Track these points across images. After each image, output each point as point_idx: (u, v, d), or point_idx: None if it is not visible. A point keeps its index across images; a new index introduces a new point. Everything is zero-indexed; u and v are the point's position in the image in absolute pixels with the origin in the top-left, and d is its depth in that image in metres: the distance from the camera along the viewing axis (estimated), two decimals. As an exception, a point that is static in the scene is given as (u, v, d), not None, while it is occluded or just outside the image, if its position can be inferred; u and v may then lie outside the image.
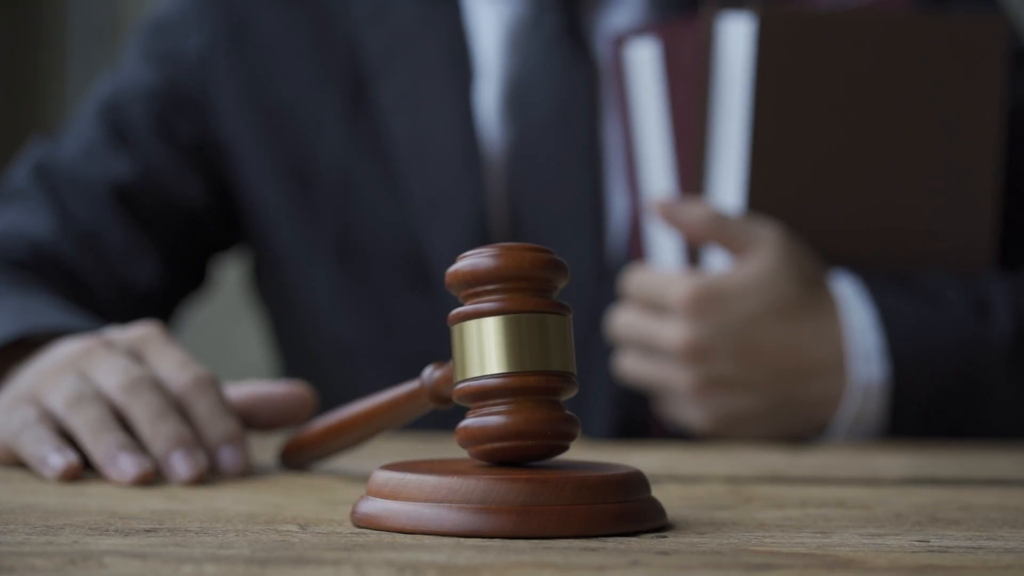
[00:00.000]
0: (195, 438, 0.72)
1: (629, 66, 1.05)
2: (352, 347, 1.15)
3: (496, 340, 0.57)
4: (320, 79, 1.12)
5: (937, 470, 0.84)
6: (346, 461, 0.81)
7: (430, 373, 0.65)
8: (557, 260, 0.58)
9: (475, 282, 0.57)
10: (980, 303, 1.02)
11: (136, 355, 0.76)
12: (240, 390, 0.78)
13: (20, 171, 1.13)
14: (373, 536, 0.55)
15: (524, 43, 1.10)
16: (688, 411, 1.00)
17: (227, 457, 0.73)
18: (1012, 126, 1.09)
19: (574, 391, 0.58)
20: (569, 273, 0.59)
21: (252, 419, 0.78)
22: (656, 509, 0.58)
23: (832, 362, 1.00)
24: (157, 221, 1.14)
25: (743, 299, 0.99)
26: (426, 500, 0.55)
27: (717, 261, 1.03)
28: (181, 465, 0.70)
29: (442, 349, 1.12)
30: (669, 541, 0.55)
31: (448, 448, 0.92)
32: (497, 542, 0.53)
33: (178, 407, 0.73)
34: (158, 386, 0.73)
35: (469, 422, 0.57)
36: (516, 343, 0.57)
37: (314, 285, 1.14)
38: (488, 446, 0.57)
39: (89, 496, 0.66)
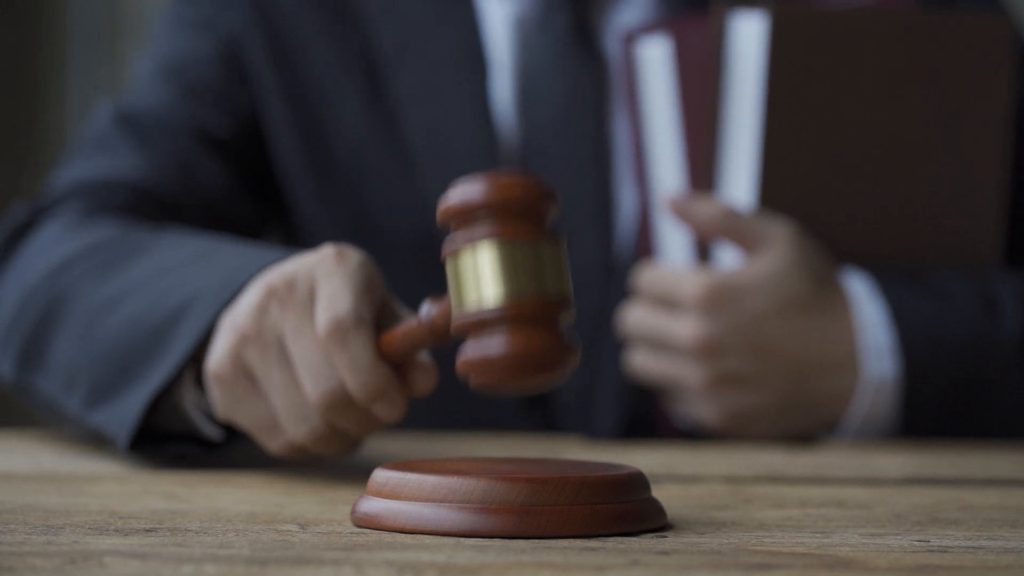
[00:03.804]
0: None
1: (640, 63, 1.05)
2: None
3: (491, 267, 0.57)
4: (338, 64, 1.12)
5: (937, 470, 0.84)
6: (346, 461, 0.81)
7: (427, 309, 0.64)
8: (548, 189, 0.58)
9: (467, 213, 0.57)
10: (989, 300, 1.02)
11: (311, 298, 0.71)
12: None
13: (99, 122, 1.10)
14: (373, 536, 0.55)
15: (532, 41, 1.10)
16: (700, 407, 1.00)
17: (380, 411, 0.70)
18: (1017, 125, 1.09)
19: (572, 317, 0.58)
20: (559, 202, 0.59)
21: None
22: (656, 509, 0.58)
23: (844, 358, 1.00)
24: (249, 167, 1.12)
25: (756, 296, 0.99)
26: (426, 500, 0.55)
27: (727, 258, 1.03)
28: None
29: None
30: (669, 541, 0.55)
31: (448, 448, 0.92)
32: (497, 542, 0.53)
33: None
34: (339, 399, 0.69)
35: (469, 352, 0.57)
36: (511, 269, 0.57)
37: None
38: (488, 375, 0.57)
39: (89, 496, 0.66)
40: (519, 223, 0.57)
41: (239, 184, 1.11)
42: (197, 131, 1.10)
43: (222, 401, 0.74)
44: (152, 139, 1.08)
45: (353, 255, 0.72)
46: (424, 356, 0.71)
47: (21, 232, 1.00)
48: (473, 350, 0.57)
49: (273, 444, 0.73)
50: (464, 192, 0.58)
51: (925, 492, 0.72)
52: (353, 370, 0.69)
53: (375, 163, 1.12)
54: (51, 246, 0.94)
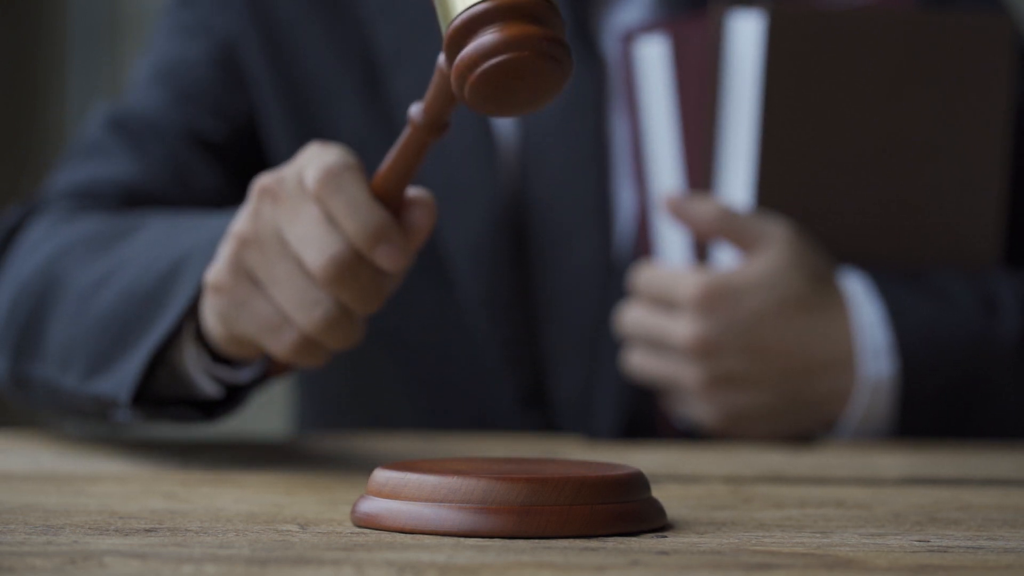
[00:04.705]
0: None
1: (638, 63, 1.05)
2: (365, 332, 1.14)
3: None
4: (337, 65, 1.12)
5: (937, 470, 0.84)
6: (346, 461, 0.81)
7: (416, 107, 0.64)
8: None
9: None
10: (987, 300, 1.02)
11: (302, 185, 0.72)
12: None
13: (92, 127, 1.10)
14: (373, 536, 0.55)
15: None
16: (697, 408, 1.01)
17: (383, 257, 0.69)
18: (1017, 125, 1.09)
19: (563, 30, 0.57)
20: None
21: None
22: (656, 509, 0.58)
23: (841, 358, 1.00)
24: (244, 171, 1.11)
25: (753, 295, 0.99)
26: (426, 500, 0.55)
27: (725, 257, 1.03)
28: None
29: (455, 337, 1.12)
30: (669, 541, 0.55)
31: (448, 448, 0.92)
32: (497, 542, 0.53)
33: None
34: (344, 262, 0.69)
35: (464, 52, 0.57)
36: None
37: None
38: (484, 61, 0.57)
39: (89, 496, 0.66)
40: None
41: (234, 188, 1.11)
42: (191, 135, 1.10)
43: (224, 312, 0.73)
44: (146, 144, 1.08)
45: (336, 146, 0.73)
46: (418, 191, 0.71)
47: (13, 233, 1.00)
48: (467, 49, 0.57)
49: (281, 344, 0.72)
50: None
51: (925, 492, 0.72)
52: (351, 211, 0.69)
53: (375, 164, 1.12)
54: (42, 243, 0.94)
